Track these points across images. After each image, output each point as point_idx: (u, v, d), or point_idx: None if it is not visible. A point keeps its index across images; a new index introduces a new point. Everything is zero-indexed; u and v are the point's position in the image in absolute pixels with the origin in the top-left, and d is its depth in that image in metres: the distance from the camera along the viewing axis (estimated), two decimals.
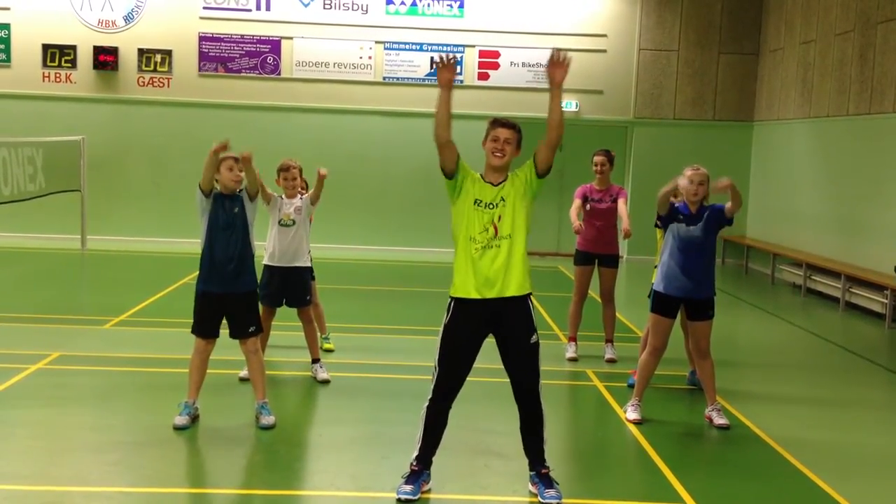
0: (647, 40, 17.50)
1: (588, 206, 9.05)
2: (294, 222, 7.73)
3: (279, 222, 7.71)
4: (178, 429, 6.33)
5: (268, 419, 6.48)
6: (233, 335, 6.60)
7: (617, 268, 9.15)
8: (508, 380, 5.46)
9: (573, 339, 9.21)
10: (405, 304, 12.11)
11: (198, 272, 6.56)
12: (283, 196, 7.78)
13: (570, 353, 9.14)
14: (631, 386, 7.95)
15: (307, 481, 5.75)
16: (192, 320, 6.53)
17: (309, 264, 7.97)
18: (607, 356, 9.05)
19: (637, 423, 6.93)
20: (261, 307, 7.26)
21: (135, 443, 6.13)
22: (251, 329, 6.58)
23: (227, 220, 6.41)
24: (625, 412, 7.13)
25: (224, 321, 6.54)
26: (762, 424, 7.10)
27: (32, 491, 5.31)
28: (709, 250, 7.04)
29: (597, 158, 9.12)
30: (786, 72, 16.27)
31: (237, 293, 6.47)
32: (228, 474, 5.82)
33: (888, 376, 9.27)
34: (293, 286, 7.80)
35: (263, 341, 7.52)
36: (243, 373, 7.57)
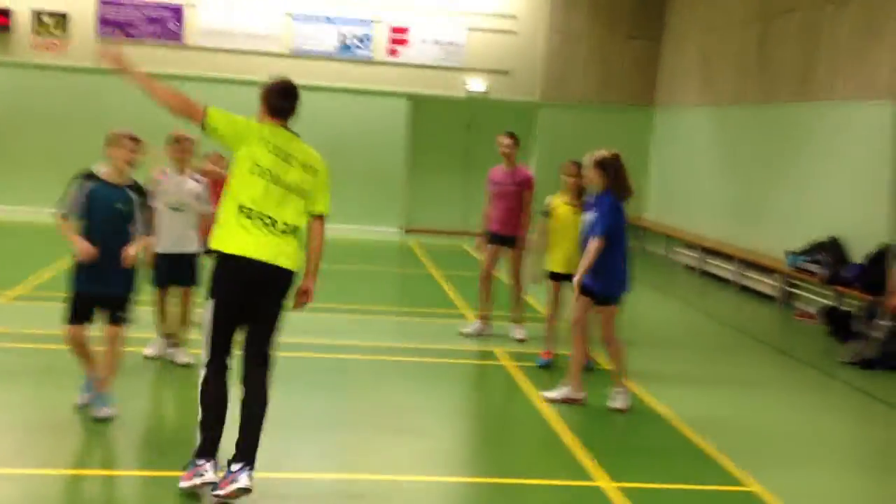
0: (556, 23, 17.71)
1: (494, 189, 9.17)
2: (183, 207, 7.47)
3: (169, 206, 7.40)
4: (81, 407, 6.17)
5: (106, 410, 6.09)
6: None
7: (521, 249, 9.18)
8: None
9: (482, 317, 9.34)
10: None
11: None
12: (167, 171, 7.49)
13: (468, 330, 9.29)
14: (540, 366, 8.13)
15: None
16: None
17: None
18: (516, 336, 9.20)
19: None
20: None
21: (40, 423, 5.96)
22: None
23: None
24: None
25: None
26: (666, 404, 7.36)
27: None
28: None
29: (502, 140, 9.21)
30: (687, 58, 16.72)
31: None
32: (133, 455, 5.73)
33: (782, 358, 9.71)
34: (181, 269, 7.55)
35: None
36: (148, 350, 7.59)
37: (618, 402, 7.11)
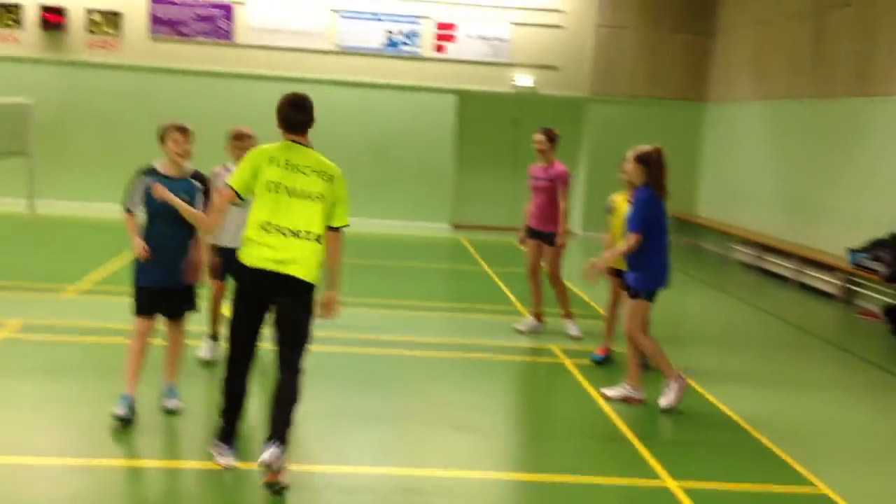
0: (603, 17, 17.57)
1: (531, 184, 9.18)
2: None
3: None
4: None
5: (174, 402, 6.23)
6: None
7: (555, 245, 9.07)
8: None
9: (534, 314, 9.30)
10: (361, 277, 12.06)
11: None
12: (228, 166, 7.29)
13: (522, 326, 9.27)
14: (595, 361, 8.07)
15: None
16: None
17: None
18: (570, 332, 9.14)
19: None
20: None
21: (98, 417, 6.03)
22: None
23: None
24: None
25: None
26: (727, 402, 7.26)
27: (23, 464, 5.21)
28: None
29: (536, 136, 9.20)
30: (739, 52, 16.48)
31: None
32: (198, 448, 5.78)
33: (845, 356, 9.52)
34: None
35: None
36: (203, 353, 7.49)
37: (662, 400, 6.95)
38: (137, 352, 6.03)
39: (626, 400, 7.05)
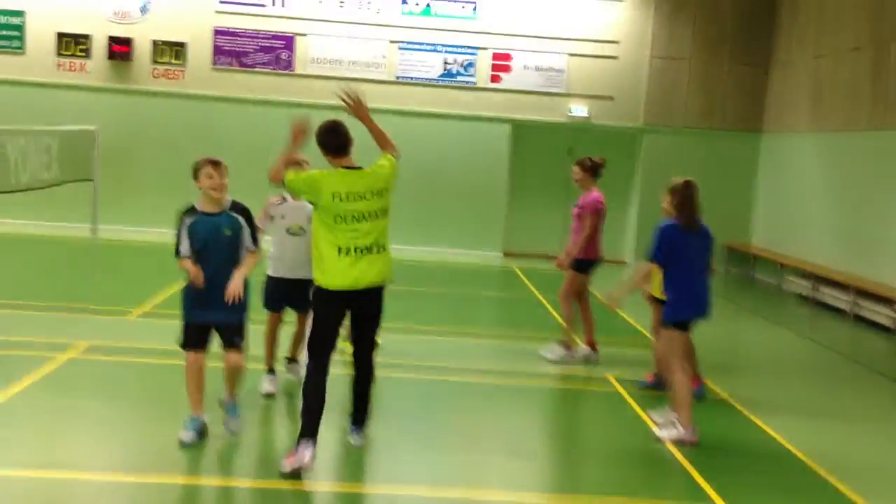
0: (658, 48, 17.64)
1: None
2: (303, 231, 7.22)
3: (287, 230, 7.25)
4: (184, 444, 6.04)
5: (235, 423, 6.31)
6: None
7: (573, 272, 9.16)
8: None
9: (586, 342, 9.37)
10: (416, 304, 12.19)
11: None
12: (286, 197, 7.20)
13: (552, 356, 9.31)
14: (642, 387, 8.10)
15: (371, 477, 5.88)
16: None
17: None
18: (546, 354, 9.28)
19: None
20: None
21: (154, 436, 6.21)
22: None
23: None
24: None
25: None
26: (781, 433, 7.24)
27: (92, 480, 5.41)
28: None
29: (572, 168, 9.42)
30: (796, 84, 16.43)
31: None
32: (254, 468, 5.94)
33: None
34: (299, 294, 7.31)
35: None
36: (266, 387, 7.39)
37: (663, 432, 6.85)
38: (192, 383, 6.11)
39: (680, 442, 6.83)
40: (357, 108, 5.95)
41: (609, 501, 5.70)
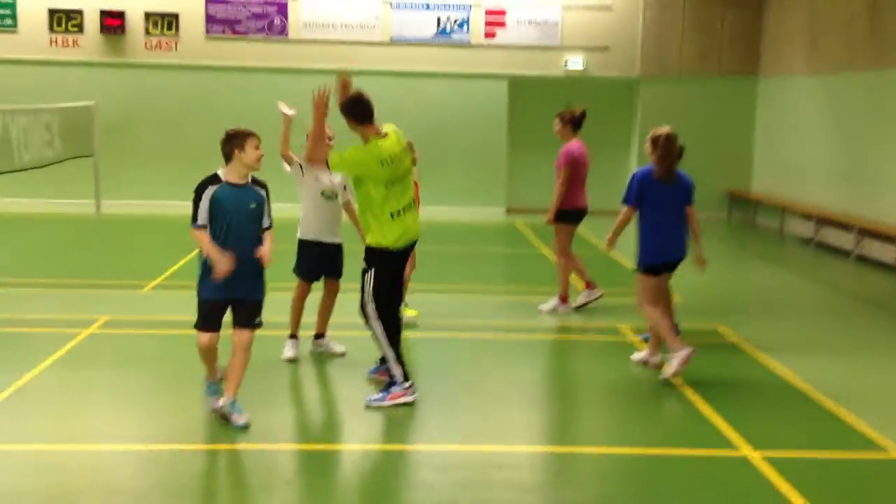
0: None
1: None
2: (336, 195, 7.36)
3: (323, 193, 7.28)
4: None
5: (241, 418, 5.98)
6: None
7: (556, 223, 9.35)
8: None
9: (586, 284, 9.57)
10: (423, 263, 12.25)
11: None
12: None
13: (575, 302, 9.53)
14: (645, 340, 8.22)
15: (420, 435, 6.02)
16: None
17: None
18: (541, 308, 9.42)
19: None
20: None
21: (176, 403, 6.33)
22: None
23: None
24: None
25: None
26: (797, 371, 7.37)
27: (127, 450, 5.54)
28: None
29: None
30: (791, 25, 16.38)
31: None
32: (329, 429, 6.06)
33: None
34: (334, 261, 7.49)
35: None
36: (288, 352, 7.45)
37: (667, 368, 7.10)
38: (208, 359, 6.00)
39: (682, 363, 7.06)
40: (319, 104, 6.16)
41: (632, 449, 5.83)
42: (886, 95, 13.18)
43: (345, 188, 7.38)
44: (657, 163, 7.20)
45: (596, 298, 9.52)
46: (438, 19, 17.31)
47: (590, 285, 9.54)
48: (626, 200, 7.31)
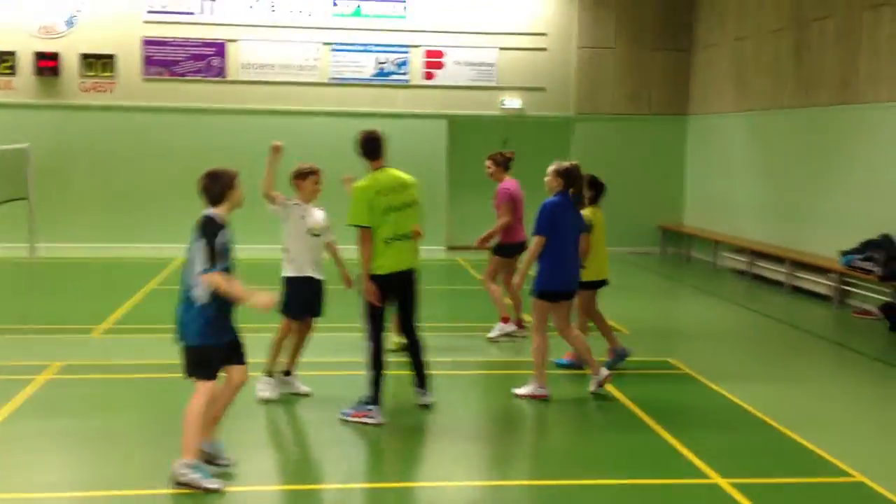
0: (584, 38, 18.06)
1: None
2: (321, 233, 7.57)
3: (309, 231, 7.46)
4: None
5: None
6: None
7: (493, 255, 10.08)
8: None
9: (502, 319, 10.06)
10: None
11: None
12: (300, 201, 7.53)
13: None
14: (560, 365, 8.63)
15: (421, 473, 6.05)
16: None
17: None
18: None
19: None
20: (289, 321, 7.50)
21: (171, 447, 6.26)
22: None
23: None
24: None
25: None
26: (748, 401, 7.64)
27: (95, 497, 5.47)
28: None
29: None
30: (719, 67, 17.03)
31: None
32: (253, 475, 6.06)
33: (848, 353, 9.95)
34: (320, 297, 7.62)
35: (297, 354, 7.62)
36: (264, 392, 7.45)
37: (522, 390, 7.69)
38: (209, 414, 5.73)
39: (533, 397, 7.62)
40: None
41: (606, 482, 5.97)
42: (811, 132, 13.79)
43: (327, 228, 7.57)
44: (569, 190, 7.57)
45: (509, 333, 9.95)
46: (377, 60, 17.52)
47: (505, 319, 10.00)
48: (540, 231, 7.51)
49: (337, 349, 9.10)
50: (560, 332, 7.85)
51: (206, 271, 5.48)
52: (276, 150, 7.33)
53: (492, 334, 9.94)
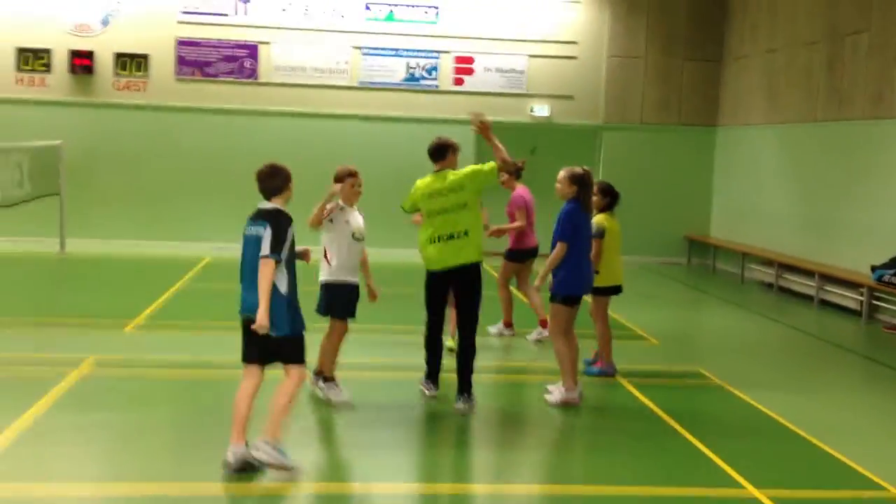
0: (615, 47, 18.08)
1: None
2: (364, 237, 7.55)
3: (353, 235, 7.44)
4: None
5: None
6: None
7: (505, 260, 10.51)
8: None
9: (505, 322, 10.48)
10: (388, 305, 12.30)
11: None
12: (343, 204, 7.48)
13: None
14: (590, 374, 8.66)
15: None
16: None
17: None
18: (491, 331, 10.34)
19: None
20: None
21: (206, 440, 6.30)
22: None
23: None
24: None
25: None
26: (780, 412, 7.62)
27: (127, 496, 5.53)
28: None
29: None
30: (750, 78, 16.99)
31: None
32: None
33: (879, 368, 9.92)
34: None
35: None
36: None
37: (552, 396, 7.65)
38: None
39: (565, 403, 7.60)
40: (482, 129, 7.33)
41: (634, 490, 5.97)
42: (843, 146, 13.73)
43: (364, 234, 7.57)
44: (583, 195, 7.66)
45: (507, 335, 10.37)
46: (407, 65, 17.60)
47: (508, 324, 10.39)
48: (564, 237, 7.57)
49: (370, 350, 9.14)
50: (552, 335, 7.87)
51: (268, 256, 5.66)
52: (335, 193, 7.25)
53: (531, 337, 10.24)
